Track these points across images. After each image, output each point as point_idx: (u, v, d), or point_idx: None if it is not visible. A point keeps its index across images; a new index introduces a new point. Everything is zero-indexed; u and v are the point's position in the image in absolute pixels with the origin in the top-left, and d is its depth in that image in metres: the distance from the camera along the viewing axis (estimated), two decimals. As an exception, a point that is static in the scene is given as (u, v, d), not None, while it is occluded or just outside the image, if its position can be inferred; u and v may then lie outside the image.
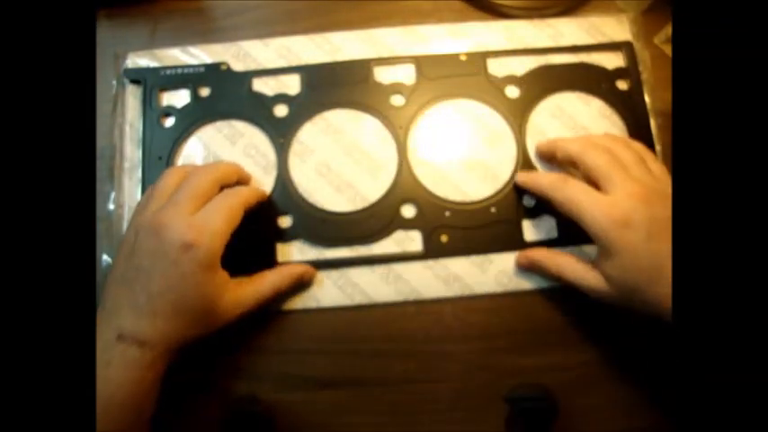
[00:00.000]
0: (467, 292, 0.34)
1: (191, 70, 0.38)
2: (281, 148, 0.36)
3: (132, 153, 0.36)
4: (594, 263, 0.30)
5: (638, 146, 0.32)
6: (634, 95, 0.37)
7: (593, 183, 0.30)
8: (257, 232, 0.34)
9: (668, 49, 0.38)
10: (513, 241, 0.35)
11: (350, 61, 0.38)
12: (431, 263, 0.34)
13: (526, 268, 0.34)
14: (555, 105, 0.37)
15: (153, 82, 0.37)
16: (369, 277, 0.34)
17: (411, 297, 0.34)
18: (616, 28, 0.39)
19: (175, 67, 0.38)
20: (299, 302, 0.34)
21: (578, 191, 0.30)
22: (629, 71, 0.38)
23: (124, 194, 0.36)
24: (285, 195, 0.35)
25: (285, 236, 0.34)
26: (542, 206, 0.35)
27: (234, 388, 0.33)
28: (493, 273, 0.34)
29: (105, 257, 0.34)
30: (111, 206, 0.35)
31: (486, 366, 0.33)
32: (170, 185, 0.31)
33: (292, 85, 0.38)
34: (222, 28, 0.40)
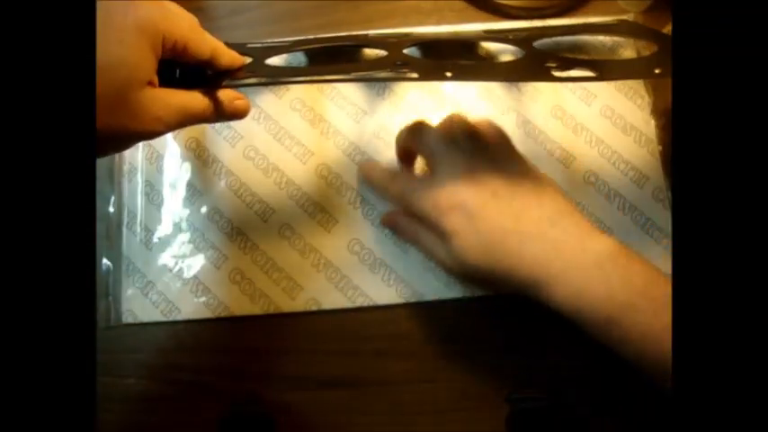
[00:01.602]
0: (468, 293, 0.34)
1: None
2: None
3: (132, 155, 0.36)
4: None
5: (485, 122, 0.31)
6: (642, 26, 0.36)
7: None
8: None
9: (669, 49, 0.38)
10: (540, 72, 0.28)
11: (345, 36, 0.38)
12: (432, 265, 0.34)
13: (389, 228, 0.34)
14: (555, 105, 0.37)
15: None
16: (369, 279, 0.34)
17: (413, 299, 0.34)
18: (616, 27, 0.39)
19: None
20: (301, 306, 0.34)
21: (403, 184, 0.30)
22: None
23: (124, 197, 0.36)
24: None
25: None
26: (571, 62, 0.29)
27: (234, 388, 0.33)
28: (493, 273, 0.34)
29: (105, 260, 0.35)
30: (111, 209, 0.35)
31: (486, 366, 0.33)
32: None
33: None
34: (222, 28, 0.40)
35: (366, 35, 0.37)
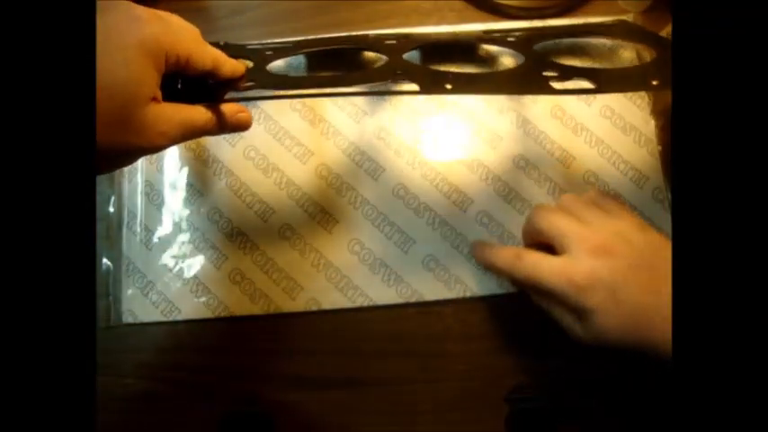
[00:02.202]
0: (468, 293, 0.34)
1: None
2: None
3: None
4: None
5: (595, 193, 0.30)
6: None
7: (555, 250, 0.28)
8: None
9: (669, 49, 0.38)
10: (539, 83, 0.28)
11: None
12: (432, 264, 0.34)
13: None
14: (555, 106, 0.37)
15: None
16: (370, 279, 0.34)
17: (413, 299, 0.34)
18: (616, 28, 0.39)
19: None
20: (301, 306, 0.34)
21: (533, 263, 0.28)
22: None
23: (124, 197, 0.36)
24: None
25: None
26: (570, 71, 0.29)
27: (234, 388, 0.33)
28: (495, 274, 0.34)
29: (105, 260, 0.34)
30: (111, 209, 0.35)
31: (486, 366, 0.33)
32: None
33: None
34: (222, 27, 0.40)
35: (366, 36, 0.37)
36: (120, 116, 0.23)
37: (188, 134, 0.26)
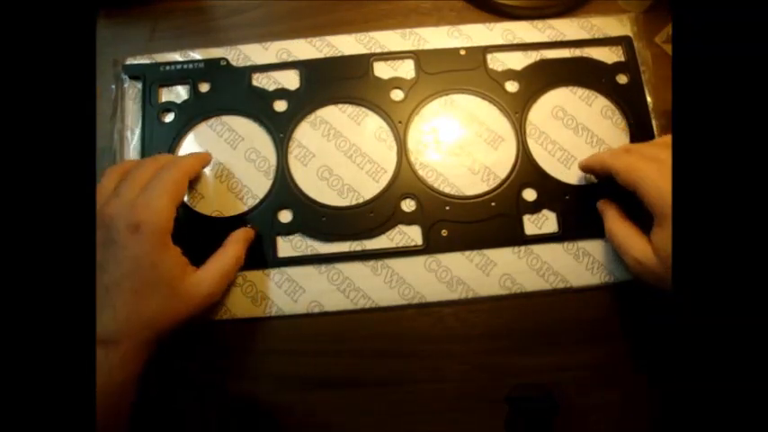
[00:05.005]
0: (470, 294, 0.34)
1: (190, 66, 0.38)
2: (281, 143, 0.36)
3: (132, 157, 0.36)
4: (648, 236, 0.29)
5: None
6: (634, 90, 0.37)
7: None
8: (257, 227, 0.35)
9: (670, 49, 0.38)
10: (514, 236, 0.35)
11: (349, 56, 0.38)
12: (434, 266, 0.34)
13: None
14: (556, 106, 0.37)
15: (152, 78, 0.37)
16: (372, 281, 0.34)
17: (415, 300, 0.34)
18: (617, 27, 0.39)
19: (174, 63, 0.38)
20: (303, 308, 0.34)
21: (639, 158, 0.29)
22: (629, 65, 0.38)
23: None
24: (285, 190, 0.35)
25: (285, 230, 0.35)
26: (543, 201, 0.35)
27: (233, 388, 0.33)
28: (496, 276, 0.34)
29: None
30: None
31: (486, 366, 0.33)
32: (113, 181, 0.30)
33: (292, 80, 0.38)
34: (222, 27, 0.40)
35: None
36: (170, 298, 0.28)
37: (229, 279, 0.32)
